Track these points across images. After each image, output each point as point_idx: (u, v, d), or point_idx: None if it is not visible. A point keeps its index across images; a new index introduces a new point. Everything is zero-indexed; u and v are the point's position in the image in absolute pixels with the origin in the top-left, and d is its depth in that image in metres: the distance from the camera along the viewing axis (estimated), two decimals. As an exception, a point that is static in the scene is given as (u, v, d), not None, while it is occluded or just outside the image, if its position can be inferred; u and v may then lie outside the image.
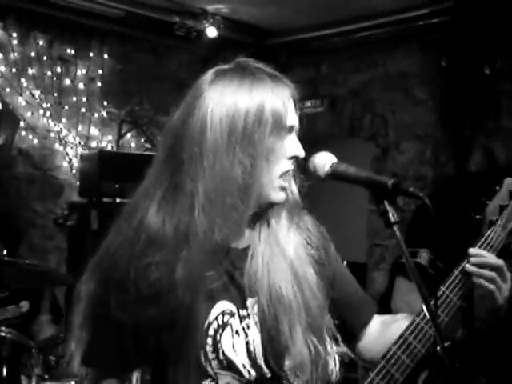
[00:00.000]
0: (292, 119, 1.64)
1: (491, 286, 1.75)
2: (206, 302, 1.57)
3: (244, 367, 1.60)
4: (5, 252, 3.83)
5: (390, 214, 1.53)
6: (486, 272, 1.75)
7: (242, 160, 1.56)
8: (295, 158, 1.65)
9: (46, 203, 5.84)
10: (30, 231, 5.63)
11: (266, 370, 1.62)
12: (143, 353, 1.55)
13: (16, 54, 5.63)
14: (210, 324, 1.57)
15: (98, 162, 5.25)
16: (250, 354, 1.61)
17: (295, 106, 1.67)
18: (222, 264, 1.61)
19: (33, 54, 5.72)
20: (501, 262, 1.76)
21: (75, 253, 5.49)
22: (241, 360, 1.59)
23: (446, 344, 1.48)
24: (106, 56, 6.08)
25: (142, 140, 6.18)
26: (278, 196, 1.65)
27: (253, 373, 1.61)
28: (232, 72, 1.65)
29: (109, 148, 5.96)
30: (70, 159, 5.85)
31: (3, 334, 3.39)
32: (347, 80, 6.37)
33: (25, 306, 3.93)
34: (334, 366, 1.71)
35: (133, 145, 6.15)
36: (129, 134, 6.13)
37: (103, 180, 5.21)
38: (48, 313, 4.48)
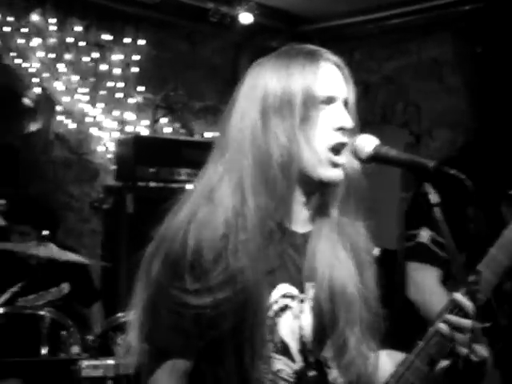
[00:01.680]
0: (330, 90, 1.63)
1: (463, 350, 1.58)
2: (267, 283, 1.57)
3: (298, 353, 1.61)
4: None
5: (431, 196, 1.54)
6: (458, 335, 1.57)
7: (277, 136, 1.58)
8: (342, 130, 1.62)
9: (82, 187, 5.93)
10: (66, 215, 5.73)
11: (312, 357, 1.64)
12: (207, 334, 1.55)
13: (54, 40, 5.69)
14: (270, 306, 1.58)
15: (134, 147, 5.34)
16: (302, 339, 1.62)
17: (343, 76, 1.66)
18: (281, 245, 1.61)
19: (70, 39, 5.77)
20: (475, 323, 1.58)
21: (110, 236, 5.58)
22: (296, 345, 1.61)
23: None
24: (141, 42, 6.11)
25: (177, 125, 6.22)
26: (327, 172, 1.62)
27: (301, 359, 1.62)
28: (269, 57, 1.70)
29: (143, 133, 6.01)
30: (106, 144, 5.91)
31: (43, 312, 3.49)
32: (380, 67, 6.37)
33: (65, 288, 4.01)
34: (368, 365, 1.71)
35: (167, 130, 6.18)
36: (163, 119, 6.18)
37: (138, 164, 5.29)
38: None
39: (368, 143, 1.65)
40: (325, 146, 1.61)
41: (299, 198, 1.66)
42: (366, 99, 6.27)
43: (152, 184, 5.40)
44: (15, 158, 5.84)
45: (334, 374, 1.66)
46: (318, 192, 1.68)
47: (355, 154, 1.66)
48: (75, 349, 3.35)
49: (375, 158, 1.65)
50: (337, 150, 1.62)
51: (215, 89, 6.45)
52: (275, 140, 1.58)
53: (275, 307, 1.60)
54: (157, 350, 1.60)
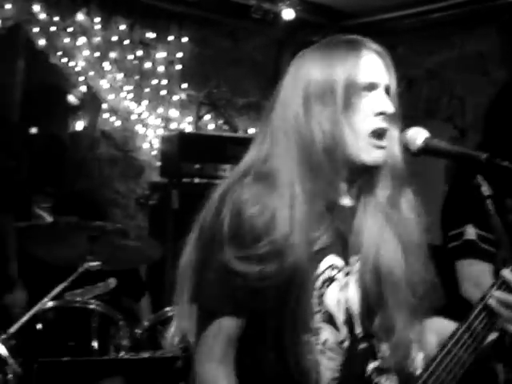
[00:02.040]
0: (371, 76, 1.66)
1: (510, 327, 1.63)
2: (315, 255, 1.61)
3: (343, 323, 1.65)
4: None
5: (484, 188, 1.56)
6: (505, 311, 1.60)
7: (320, 122, 1.63)
8: (383, 115, 1.65)
9: (128, 184, 6.01)
10: (112, 211, 5.81)
11: (359, 329, 1.68)
12: (254, 302, 1.59)
13: (99, 39, 5.77)
14: (318, 277, 1.63)
15: (178, 144, 5.38)
16: (348, 311, 1.66)
17: (385, 64, 1.70)
18: (329, 219, 1.64)
19: (115, 38, 5.86)
20: None
21: (156, 231, 5.65)
22: (341, 316, 1.65)
23: None
24: (184, 39, 6.18)
25: (220, 122, 6.27)
26: (369, 157, 1.66)
27: (347, 330, 1.66)
28: (311, 48, 1.75)
29: (188, 129, 6.06)
30: (151, 140, 5.99)
31: (92, 306, 3.55)
32: (423, 61, 6.33)
33: (112, 282, 4.07)
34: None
35: (211, 126, 6.24)
36: (207, 116, 6.23)
37: (183, 161, 5.35)
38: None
39: (418, 136, 1.68)
40: (366, 131, 1.65)
41: (345, 179, 1.71)
42: (409, 94, 6.24)
43: (197, 180, 5.46)
44: (62, 156, 5.95)
45: (383, 346, 1.70)
46: (363, 174, 1.72)
47: (406, 146, 1.70)
48: (124, 342, 3.40)
49: (426, 151, 1.68)
50: (378, 134, 1.66)
51: (258, 85, 6.48)
52: (319, 126, 1.63)
53: (323, 278, 1.64)
54: (205, 311, 1.66)
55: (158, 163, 5.83)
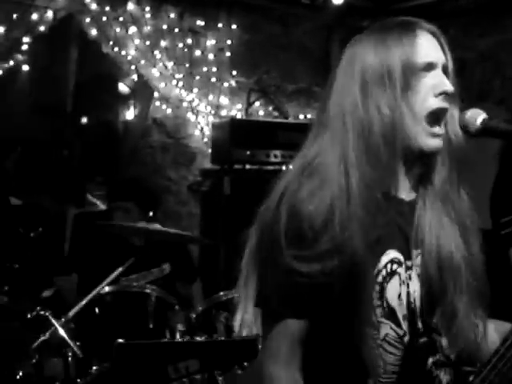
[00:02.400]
0: (429, 56, 1.65)
1: None
2: (376, 249, 1.60)
3: (403, 318, 1.65)
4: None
5: None
6: None
7: (379, 106, 1.61)
8: (443, 95, 1.64)
9: (180, 170, 6.07)
10: (164, 197, 5.88)
11: (420, 323, 1.67)
12: (317, 300, 1.59)
13: (149, 28, 5.82)
14: (379, 271, 1.62)
15: (230, 130, 5.44)
16: (410, 305, 1.66)
17: (440, 43, 1.68)
18: (388, 213, 1.63)
19: (165, 26, 5.90)
20: None
21: (208, 217, 5.71)
22: (402, 311, 1.64)
23: None
24: (233, 26, 6.19)
25: (270, 108, 6.28)
26: (427, 142, 1.65)
27: (408, 325, 1.65)
28: (364, 33, 1.74)
29: (238, 116, 6.09)
30: (202, 128, 6.02)
31: (148, 290, 3.61)
32: (476, 43, 6.25)
33: (167, 268, 4.14)
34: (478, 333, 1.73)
35: (261, 113, 6.25)
36: (257, 103, 6.24)
37: (234, 147, 5.40)
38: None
39: (477, 117, 1.66)
40: (426, 112, 1.63)
41: (402, 168, 1.69)
42: (461, 77, 6.14)
43: (248, 166, 5.51)
44: (115, 144, 6.04)
45: (443, 341, 1.69)
46: (420, 161, 1.71)
47: (464, 127, 1.68)
48: (180, 326, 3.45)
49: (485, 131, 1.66)
50: (437, 116, 1.65)
51: (307, 71, 6.47)
52: (377, 111, 1.62)
53: (384, 272, 1.63)
54: (269, 313, 1.66)
55: (209, 150, 5.88)
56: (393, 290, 1.64)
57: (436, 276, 1.66)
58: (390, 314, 1.63)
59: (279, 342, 1.64)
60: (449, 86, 1.64)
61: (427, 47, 1.66)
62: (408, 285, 1.67)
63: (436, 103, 1.64)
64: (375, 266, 1.62)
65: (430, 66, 1.65)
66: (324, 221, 1.56)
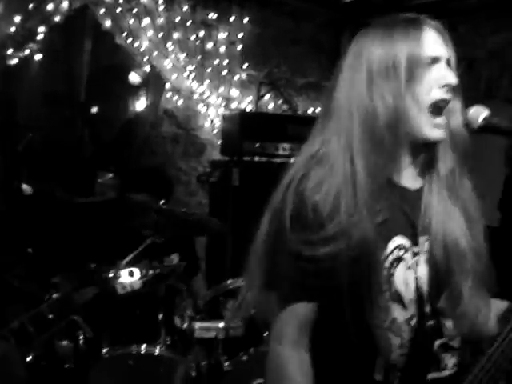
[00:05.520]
0: (434, 51, 1.70)
1: None
2: (382, 236, 1.66)
3: (410, 302, 1.70)
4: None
5: None
6: None
7: (383, 97, 1.67)
8: (447, 86, 1.70)
9: (190, 161, 6.15)
10: (175, 188, 5.95)
11: (427, 307, 1.73)
12: (325, 284, 1.64)
13: (162, 20, 5.87)
14: (386, 257, 1.68)
15: (240, 122, 5.49)
16: (418, 290, 1.71)
17: (444, 39, 1.73)
18: (392, 200, 1.70)
19: (177, 19, 5.95)
20: None
21: (216, 208, 5.77)
22: (408, 295, 1.70)
23: None
24: (245, 20, 6.25)
25: (280, 101, 6.33)
26: (431, 133, 1.71)
27: (415, 308, 1.71)
28: (371, 27, 1.79)
29: (248, 109, 6.16)
30: (212, 119, 6.09)
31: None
32: (485, 41, 6.28)
33: (175, 258, 4.21)
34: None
35: (270, 106, 6.31)
36: (267, 96, 6.29)
37: (244, 139, 5.45)
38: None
39: (480, 114, 1.72)
40: (429, 103, 1.69)
41: (407, 156, 1.76)
42: (469, 74, 6.20)
43: (257, 158, 5.57)
44: (127, 134, 6.11)
45: (448, 323, 1.75)
46: (425, 150, 1.77)
47: (467, 124, 1.74)
48: (188, 312, 3.53)
49: (487, 128, 1.72)
50: (439, 107, 1.70)
51: (318, 65, 6.53)
52: (382, 100, 1.68)
53: (390, 258, 1.69)
54: (277, 297, 1.72)
55: (219, 141, 5.94)
56: (400, 275, 1.69)
57: (442, 261, 1.72)
58: (398, 298, 1.69)
59: (288, 325, 1.70)
60: (452, 79, 1.70)
61: (432, 42, 1.71)
62: (416, 270, 1.72)
63: (440, 94, 1.69)
64: (383, 251, 1.67)
65: (434, 60, 1.71)
66: (330, 207, 1.63)
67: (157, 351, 3.41)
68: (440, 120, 1.71)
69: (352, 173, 1.66)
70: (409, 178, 1.78)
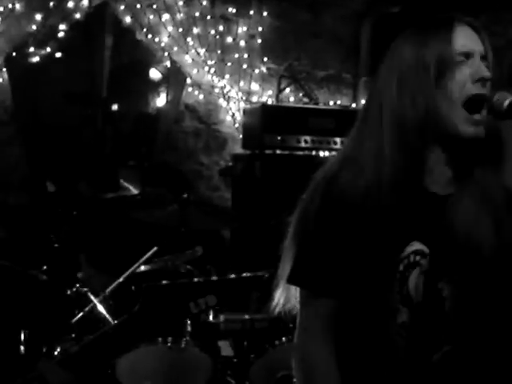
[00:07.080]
0: (465, 46, 1.67)
1: None
2: (400, 239, 1.68)
3: (418, 307, 1.69)
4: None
5: None
6: None
7: (413, 97, 1.66)
8: (481, 81, 1.66)
9: (211, 156, 6.17)
10: (196, 182, 5.99)
11: (434, 314, 1.70)
12: (347, 280, 1.68)
13: (182, 15, 5.92)
14: (401, 260, 1.68)
15: (261, 116, 5.50)
16: (426, 296, 1.69)
17: (478, 34, 1.71)
18: (418, 206, 1.68)
19: (197, 13, 5.99)
20: None
21: (239, 202, 5.79)
22: (417, 300, 1.69)
23: None
24: (265, 14, 6.26)
25: (300, 94, 6.32)
26: (467, 129, 1.66)
27: (421, 314, 1.69)
28: (407, 30, 1.77)
29: (269, 102, 6.15)
30: (233, 113, 6.11)
31: (183, 270, 3.73)
32: (506, 31, 6.24)
33: (199, 250, 4.22)
34: None
35: (291, 99, 6.29)
36: (287, 89, 6.28)
37: (265, 133, 5.45)
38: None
39: (505, 99, 1.66)
40: (464, 100, 1.65)
41: (440, 157, 1.72)
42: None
43: (278, 151, 5.56)
44: (148, 129, 6.14)
45: (454, 330, 1.72)
46: (458, 151, 1.72)
47: (493, 109, 1.68)
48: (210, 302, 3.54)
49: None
50: (476, 102, 1.66)
51: (338, 58, 6.51)
52: (411, 100, 1.66)
53: (406, 262, 1.68)
54: (303, 292, 1.76)
55: (241, 135, 5.97)
56: (413, 279, 1.69)
57: (463, 271, 1.69)
58: (408, 302, 1.69)
59: (315, 320, 1.74)
60: (486, 72, 1.67)
61: (464, 38, 1.68)
62: (431, 278, 1.69)
63: (474, 89, 1.65)
64: (399, 254, 1.68)
65: (467, 55, 1.67)
66: (356, 208, 1.66)
67: (183, 344, 3.43)
68: (477, 117, 1.67)
69: (379, 176, 1.67)
70: (441, 183, 1.74)
